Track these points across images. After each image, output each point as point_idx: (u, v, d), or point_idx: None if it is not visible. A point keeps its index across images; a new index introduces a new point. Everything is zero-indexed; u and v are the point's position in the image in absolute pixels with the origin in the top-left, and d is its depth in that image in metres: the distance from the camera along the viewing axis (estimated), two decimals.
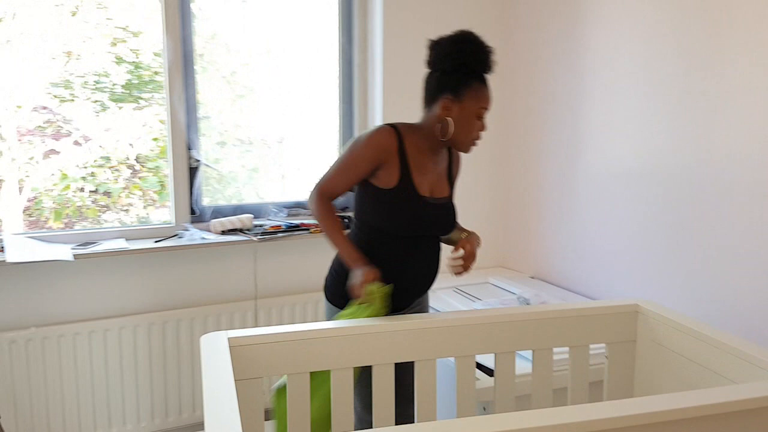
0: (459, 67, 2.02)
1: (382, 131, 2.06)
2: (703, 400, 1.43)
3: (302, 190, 3.44)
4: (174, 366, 3.01)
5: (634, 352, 2.16)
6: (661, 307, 2.11)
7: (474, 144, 2.11)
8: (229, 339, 1.80)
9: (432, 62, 2.06)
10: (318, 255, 3.31)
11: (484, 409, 2.30)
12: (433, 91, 2.06)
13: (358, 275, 2.01)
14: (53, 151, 3.00)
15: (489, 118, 3.59)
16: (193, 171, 3.10)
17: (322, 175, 2.13)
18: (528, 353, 2.34)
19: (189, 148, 3.07)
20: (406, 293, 2.13)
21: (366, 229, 2.13)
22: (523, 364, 2.33)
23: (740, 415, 1.47)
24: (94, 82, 2.98)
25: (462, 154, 2.26)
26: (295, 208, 3.35)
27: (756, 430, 1.50)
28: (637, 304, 2.13)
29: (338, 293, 2.15)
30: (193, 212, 3.13)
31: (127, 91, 3.05)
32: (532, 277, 3.43)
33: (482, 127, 2.09)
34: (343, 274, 2.13)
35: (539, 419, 1.34)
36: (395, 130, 2.07)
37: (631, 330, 2.14)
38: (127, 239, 2.95)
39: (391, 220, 2.08)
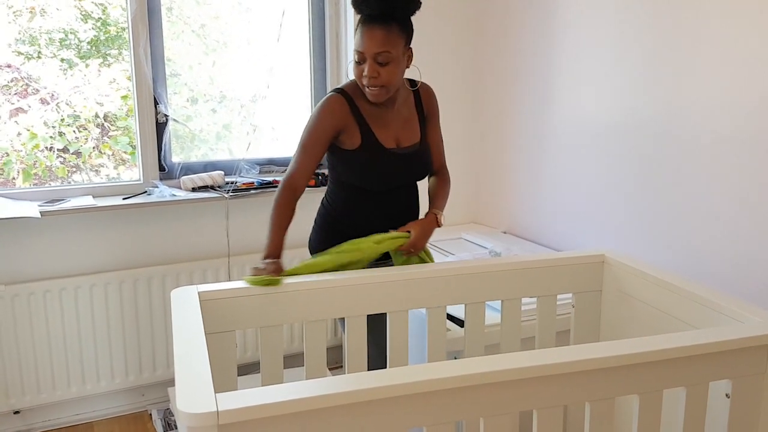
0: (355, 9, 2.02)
1: (331, 100, 2.08)
2: (664, 345, 1.46)
3: (275, 147, 3.41)
4: (147, 323, 3.01)
5: (600, 301, 2.20)
6: (626, 257, 2.15)
7: (367, 90, 2.03)
8: (199, 293, 1.80)
9: None
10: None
11: (455, 358, 2.34)
12: None
13: (268, 265, 2.00)
14: (20, 110, 2.94)
15: (459, 71, 3.54)
16: (161, 127, 3.06)
17: (289, 164, 2.13)
18: (497, 304, 2.37)
19: (156, 103, 3.02)
20: None
21: (343, 187, 2.18)
22: (492, 315, 2.35)
23: (700, 359, 1.51)
24: (60, 40, 2.91)
25: (434, 91, 2.23)
26: (267, 165, 3.33)
27: (716, 373, 1.54)
28: (603, 255, 2.17)
29: (318, 247, 2.22)
30: (162, 169, 3.10)
31: (94, 48, 2.98)
32: (505, 232, 3.46)
33: (365, 72, 1.99)
34: (324, 227, 2.23)
35: (510, 362, 1.37)
36: (343, 93, 2.08)
37: (598, 280, 2.18)
38: (94, 197, 2.91)
39: (363, 178, 2.13)
